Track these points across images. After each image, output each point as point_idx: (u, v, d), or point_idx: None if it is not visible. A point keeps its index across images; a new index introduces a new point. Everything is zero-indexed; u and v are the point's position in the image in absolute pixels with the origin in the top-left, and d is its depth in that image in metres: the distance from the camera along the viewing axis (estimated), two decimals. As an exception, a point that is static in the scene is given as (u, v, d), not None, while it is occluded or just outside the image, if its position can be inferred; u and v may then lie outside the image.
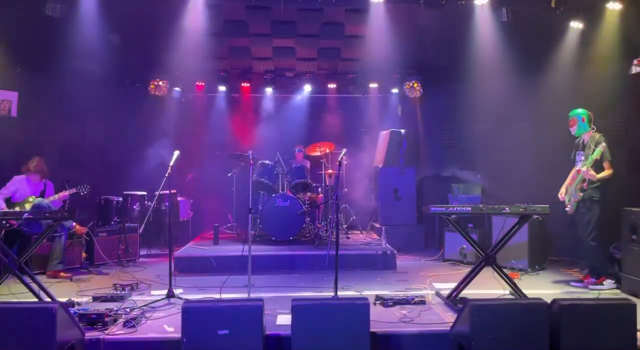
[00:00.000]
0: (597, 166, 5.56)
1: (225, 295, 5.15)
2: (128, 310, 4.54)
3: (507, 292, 5.13)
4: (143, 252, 7.66)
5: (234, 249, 6.71)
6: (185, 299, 4.75)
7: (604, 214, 5.60)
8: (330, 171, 8.09)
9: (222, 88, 9.42)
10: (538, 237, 6.68)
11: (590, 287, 5.60)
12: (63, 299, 4.77)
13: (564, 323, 3.59)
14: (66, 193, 6.48)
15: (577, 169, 5.77)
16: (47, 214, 5.24)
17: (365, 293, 5.26)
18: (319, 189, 8.12)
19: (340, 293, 4.90)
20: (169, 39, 7.55)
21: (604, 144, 5.50)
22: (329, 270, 5.52)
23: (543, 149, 7.77)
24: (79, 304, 4.79)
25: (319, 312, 3.68)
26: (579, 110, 5.79)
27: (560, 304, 3.65)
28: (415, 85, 9.08)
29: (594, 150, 5.54)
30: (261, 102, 9.73)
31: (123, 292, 5.17)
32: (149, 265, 7.01)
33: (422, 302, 4.88)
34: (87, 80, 8.03)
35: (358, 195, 9.08)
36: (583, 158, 5.72)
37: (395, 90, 9.60)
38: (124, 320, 4.24)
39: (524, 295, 4.89)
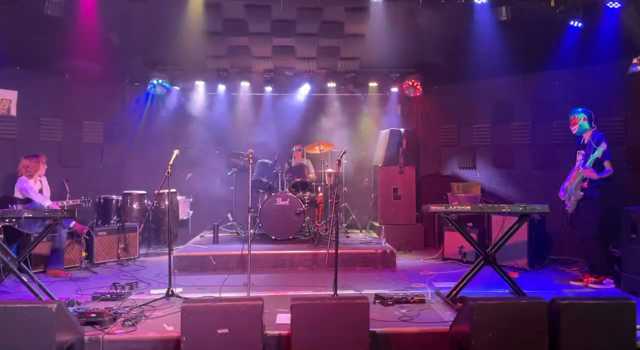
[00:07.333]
0: (598, 165, 5.56)
1: (224, 294, 5.14)
2: (127, 309, 4.55)
3: (507, 291, 5.14)
4: (142, 251, 7.65)
5: (234, 248, 6.71)
6: (185, 298, 4.76)
7: (604, 213, 5.60)
8: (329, 170, 8.09)
9: (221, 87, 9.41)
10: (537, 236, 6.68)
11: (590, 286, 5.60)
12: (62, 298, 4.76)
13: (563, 322, 3.59)
14: (66, 202, 6.47)
15: (577, 168, 5.77)
16: (46, 213, 5.23)
17: (365, 292, 5.25)
18: (319, 188, 8.12)
19: (339, 292, 4.91)
20: (168, 37, 7.55)
21: (605, 143, 5.50)
22: (329, 269, 5.53)
23: (542, 147, 7.77)
24: (78, 303, 4.79)
25: (318, 311, 3.68)
26: (580, 110, 5.80)
27: (559, 302, 3.65)
28: (415, 84, 9.07)
29: (595, 149, 5.53)
30: (261, 101, 9.72)
31: (122, 291, 5.16)
32: (149, 264, 7.00)
33: (422, 301, 4.89)
34: (86, 79, 8.03)
35: (357, 194, 9.08)
36: (583, 157, 5.72)
37: (394, 89, 9.60)
38: (123, 319, 4.25)
39: (524, 294, 4.89)
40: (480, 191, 8.08)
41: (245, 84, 9.42)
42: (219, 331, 3.55)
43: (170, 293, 5.00)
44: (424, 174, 9.12)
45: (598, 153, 5.48)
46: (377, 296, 4.95)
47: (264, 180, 7.75)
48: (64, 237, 6.39)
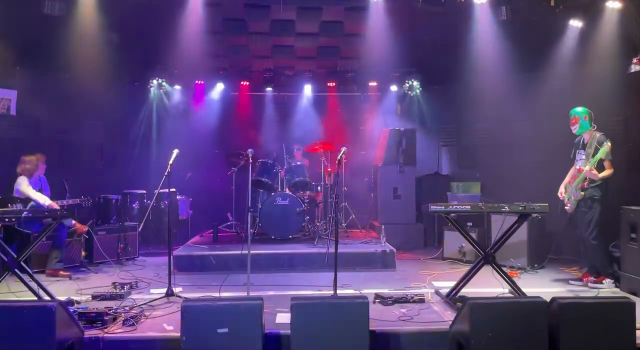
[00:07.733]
0: (599, 165, 5.55)
1: (224, 294, 5.15)
2: (127, 308, 4.54)
3: (507, 290, 5.13)
4: (142, 250, 7.65)
5: (234, 248, 6.71)
6: (185, 298, 4.75)
7: (604, 213, 5.60)
8: (329, 170, 8.09)
9: (221, 86, 9.41)
10: (537, 235, 6.68)
11: (590, 285, 5.60)
12: (62, 298, 4.75)
13: (563, 322, 3.59)
14: (65, 202, 6.47)
15: (577, 167, 5.76)
16: (46, 213, 5.22)
17: (365, 291, 5.25)
18: (319, 188, 8.13)
19: (339, 291, 4.91)
20: (168, 37, 7.55)
21: (609, 143, 5.47)
22: (328, 268, 5.53)
23: (542, 147, 7.77)
24: (78, 302, 4.79)
25: (318, 311, 3.68)
26: (580, 109, 5.77)
27: (559, 302, 3.65)
28: (415, 83, 9.08)
29: (597, 149, 5.52)
30: (260, 100, 9.73)
31: (122, 291, 5.17)
32: (148, 264, 7.00)
33: (421, 301, 4.89)
34: (86, 79, 8.02)
35: (357, 193, 9.08)
36: (584, 157, 5.70)
37: (394, 89, 9.60)
38: (123, 318, 4.24)
39: (523, 294, 4.89)
40: (480, 191, 8.08)
41: (245, 83, 9.42)
42: (219, 331, 3.55)
43: (170, 293, 5.00)
44: (423, 173, 9.12)
45: (602, 153, 5.45)
46: (377, 296, 4.95)
47: (263, 179, 7.75)
48: (64, 237, 6.38)
